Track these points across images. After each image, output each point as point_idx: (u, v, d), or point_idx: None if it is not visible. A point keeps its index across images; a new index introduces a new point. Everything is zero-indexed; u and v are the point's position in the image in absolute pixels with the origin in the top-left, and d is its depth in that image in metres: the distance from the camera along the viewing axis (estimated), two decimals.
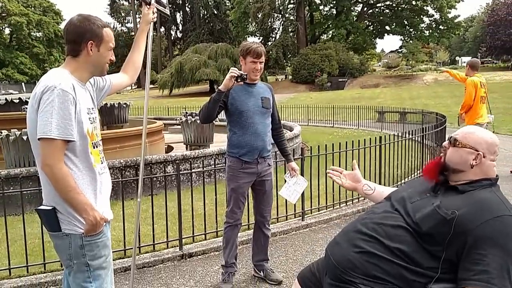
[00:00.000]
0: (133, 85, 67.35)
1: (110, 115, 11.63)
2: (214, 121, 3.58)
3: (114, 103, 11.77)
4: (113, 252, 2.82)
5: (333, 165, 5.64)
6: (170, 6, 65.11)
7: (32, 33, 66.06)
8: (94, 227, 2.02)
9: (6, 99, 10.43)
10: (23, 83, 58.20)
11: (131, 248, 3.96)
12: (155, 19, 2.72)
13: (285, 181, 3.84)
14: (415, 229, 1.81)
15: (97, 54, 2.10)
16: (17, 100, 10.33)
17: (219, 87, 3.31)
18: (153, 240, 4.40)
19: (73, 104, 1.97)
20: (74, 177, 2.00)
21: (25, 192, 4.05)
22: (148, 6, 2.67)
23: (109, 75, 2.34)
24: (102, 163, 2.18)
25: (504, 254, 1.66)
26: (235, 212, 3.61)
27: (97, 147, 2.15)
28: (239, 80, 3.26)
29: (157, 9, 2.76)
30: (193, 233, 4.58)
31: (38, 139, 1.94)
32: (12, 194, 4.83)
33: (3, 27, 64.94)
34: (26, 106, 9.31)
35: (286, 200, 4.31)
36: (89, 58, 2.09)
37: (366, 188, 2.39)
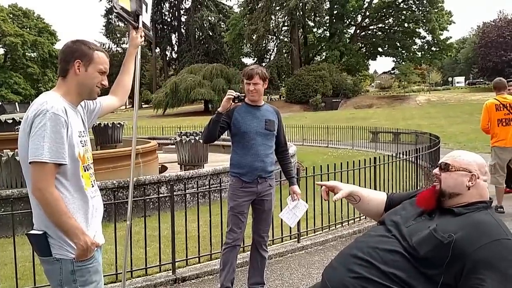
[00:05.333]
0: (127, 104, 67.47)
1: (103, 135, 11.56)
2: None
3: (108, 123, 11.72)
4: (104, 276, 2.75)
5: None
6: (165, 27, 65.94)
7: (26, 54, 66.29)
8: (85, 252, 1.98)
9: None
10: (16, 103, 58.12)
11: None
12: (142, 43, 2.76)
13: (287, 203, 3.83)
14: (412, 253, 1.78)
15: (85, 74, 2.07)
16: (11, 121, 10.27)
17: (218, 109, 3.43)
18: (146, 263, 4.30)
19: (65, 128, 1.95)
20: (65, 201, 1.97)
21: (16, 213, 3.98)
22: (136, 30, 2.71)
23: (99, 97, 2.32)
24: (93, 186, 2.16)
25: (502, 279, 1.64)
26: (234, 231, 3.58)
27: (88, 170, 2.13)
28: (236, 101, 3.39)
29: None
30: (186, 256, 4.50)
31: (30, 163, 1.91)
32: (3, 216, 4.75)
33: None
34: (19, 126, 9.27)
35: (281, 221, 4.30)
36: (77, 78, 2.07)
37: (351, 199, 2.29)
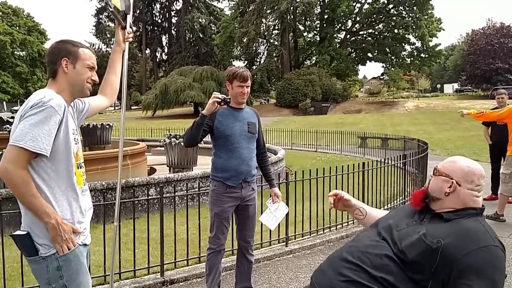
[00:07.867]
0: (115, 105, 67.05)
1: (92, 136, 11.51)
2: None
3: (96, 124, 11.68)
4: (92, 278, 2.75)
5: (316, 190, 5.71)
6: (156, 29, 65.73)
7: (15, 52, 65.59)
8: (59, 232, 1.96)
9: None
10: (4, 102, 57.49)
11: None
12: (131, 40, 2.74)
13: (267, 206, 3.83)
14: (401, 258, 1.81)
15: (73, 71, 2.10)
16: None
17: (202, 112, 3.34)
18: (134, 266, 4.29)
19: (57, 123, 1.97)
20: (55, 197, 1.99)
21: (4, 214, 3.95)
22: (124, 30, 2.69)
23: (87, 97, 2.34)
24: (84, 184, 2.18)
25: (489, 285, 1.67)
26: (218, 237, 3.56)
27: (80, 168, 2.15)
28: (222, 104, 3.29)
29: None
30: (175, 259, 4.50)
31: (9, 144, 1.91)
32: None
33: None
34: (7, 126, 9.13)
35: None
36: (66, 76, 2.09)
37: (358, 213, 2.36)
